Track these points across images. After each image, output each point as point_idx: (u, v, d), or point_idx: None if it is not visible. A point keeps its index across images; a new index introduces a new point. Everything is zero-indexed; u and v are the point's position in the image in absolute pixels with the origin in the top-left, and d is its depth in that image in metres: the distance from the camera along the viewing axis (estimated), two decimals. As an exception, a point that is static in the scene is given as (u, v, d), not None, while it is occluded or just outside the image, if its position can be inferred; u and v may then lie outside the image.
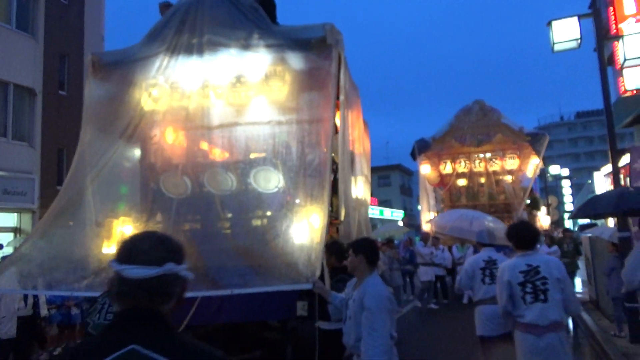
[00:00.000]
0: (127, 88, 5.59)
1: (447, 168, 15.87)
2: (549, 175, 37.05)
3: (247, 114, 5.51)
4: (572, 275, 13.00)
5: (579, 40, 8.41)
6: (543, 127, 71.43)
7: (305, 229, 4.74)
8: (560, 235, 14.35)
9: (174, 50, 5.45)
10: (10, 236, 13.52)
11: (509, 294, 3.79)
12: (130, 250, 1.32)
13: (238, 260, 4.67)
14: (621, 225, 7.57)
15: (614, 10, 11.85)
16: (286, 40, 5.38)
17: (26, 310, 6.68)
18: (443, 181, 15.95)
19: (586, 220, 17.36)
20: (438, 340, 8.83)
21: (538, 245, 13.80)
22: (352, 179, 6.74)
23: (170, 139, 5.83)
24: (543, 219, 17.57)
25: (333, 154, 5.45)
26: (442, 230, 12.92)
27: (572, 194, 46.77)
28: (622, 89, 11.76)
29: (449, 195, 15.90)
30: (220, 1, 5.57)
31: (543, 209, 19.74)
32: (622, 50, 7.93)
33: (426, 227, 14.65)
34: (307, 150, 5.19)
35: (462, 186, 15.93)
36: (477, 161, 15.65)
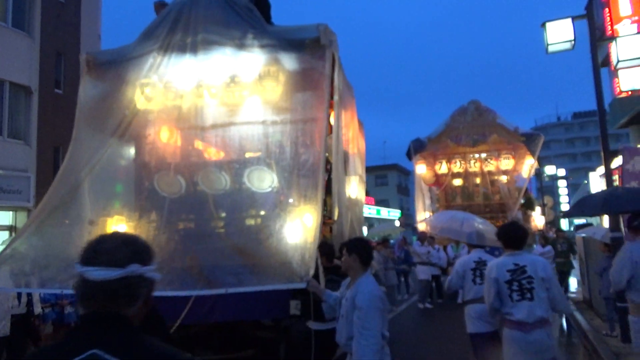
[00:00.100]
0: (120, 86, 5.60)
1: (442, 168, 15.94)
2: (545, 175, 37.16)
3: (241, 113, 5.53)
4: (566, 274, 13.07)
5: (573, 42, 8.46)
6: (540, 127, 71.61)
7: (298, 228, 4.76)
8: (554, 235, 14.42)
9: (167, 48, 5.46)
10: (5, 234, 13.50)
11: (496, 291, 3.91)
12: (94, 251, 1.29)
13: (232, 260, 4.69)
14: (613, 226, 7.62)
15: (609, 12, 11.90)
16: (280, 40, 5.40)
17: (20, 309, 6.68)
18: (438, 181, 16.02)
19: (582, 220, 17.46)
20: (432, 340, 8.87)
21: (534, 246, 13.78)
22: (346, 178, 6.77)
23: (165, 138, 5.85)
24: (537, 219, 17.65)
25: (327, 154, 5.47)
26: (434, 231, 13.00)
27: (568, 194, 46.91)
28: (617, 89, 11.82)
29: (445, 195, 15.96)
30: (214, 1, 5.58)
31: (538, 209, 19.83)
32: (616, 51, 7.98)
33: (421, 226, 14.71)
34: (301, 150, 5.21)
35: (458, 186, 16.01)
36: (472, 161, 15.72)
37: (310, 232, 4.56)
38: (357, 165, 7.80)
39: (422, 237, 13.46)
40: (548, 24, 8.63)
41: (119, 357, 1.17)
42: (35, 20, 14.86)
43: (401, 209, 46.72)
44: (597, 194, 7.28)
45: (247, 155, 5.46)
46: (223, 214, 5.30)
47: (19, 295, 6.60)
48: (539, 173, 26.82)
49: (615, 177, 8.77)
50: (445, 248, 13.65)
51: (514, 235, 4.07)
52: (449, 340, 8.31)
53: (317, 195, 4.77)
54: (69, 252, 4.68)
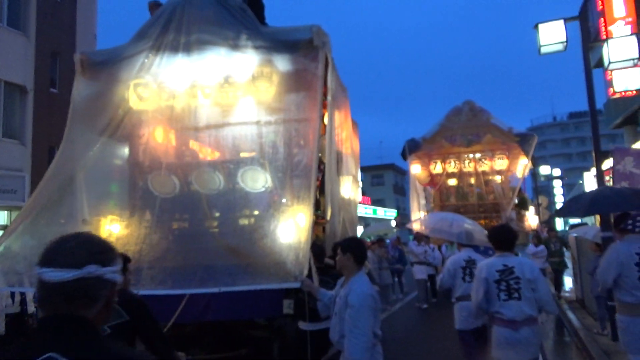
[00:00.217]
0: (113, 86, 5.62)
1: (437, 168, 15.98)
2: (540, 175, 37.28)
3: (234, 114, 5.56)
4: (561, 273, 13.15)
5: (565, 43, 8.53)
6: (536, 127, 71.92)
7: (292, 228, 4.80)
8: (547, 235, 14.51)
9: (160, 48, 5.48)
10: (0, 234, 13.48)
11: (485, 290, 4.01)
12: (52, 252, 1.26)
13: (226, 259, 4.73)
14: (604, 226, 7.68)
15: (603, 13, 11.97)
16: (274, 41, 5.43)
17: (14, 308, 6.71)
18: (433, 181, 16.06)
19: (577, 220, 17.53)
20: (426, 338, 8.93)
21: (528, 245, 13.77)
22: (340, 179, 6.81)
23: (158, 138, 5.87)
24: (531, 219, 17.73)
25: (320, 154, 5.51)
26: (426, 231, 13.08)
27: (563, 194, 47.07)
28: (611, 90, 11.90)
29: (439, 195, 16.01)
30: (208, 1, 5.61)
31: (531, 208, 19.92)
32: (607, 53, 8.05)
33: (415, 226, 14.77)
34: (295, 151, 5.25)
35: (452, 186, 16.07)
36: (466, 161, 15.77)
37: (303, 232, 4.61)
38: (351, 166, 7.84)
39: (419, 236, 13.52)
40: (540, 26, 8.69)
41: None
42: (31, 20, 14.85)
43: (397, 208, 46.79)
44: (585, 194, 7.36)
45: (241, 155, 5.49)
46: (217, 214, 5.33)
47: (12, 294, 6.62)
48: (533, 173, 26.88)
49: (608, 177, 8.83)
50: (439, 247, 13.71)
51: (505, 238, 4.19)
52: (442, 338, 8.35)
53: (310, 195, 4.82)
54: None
